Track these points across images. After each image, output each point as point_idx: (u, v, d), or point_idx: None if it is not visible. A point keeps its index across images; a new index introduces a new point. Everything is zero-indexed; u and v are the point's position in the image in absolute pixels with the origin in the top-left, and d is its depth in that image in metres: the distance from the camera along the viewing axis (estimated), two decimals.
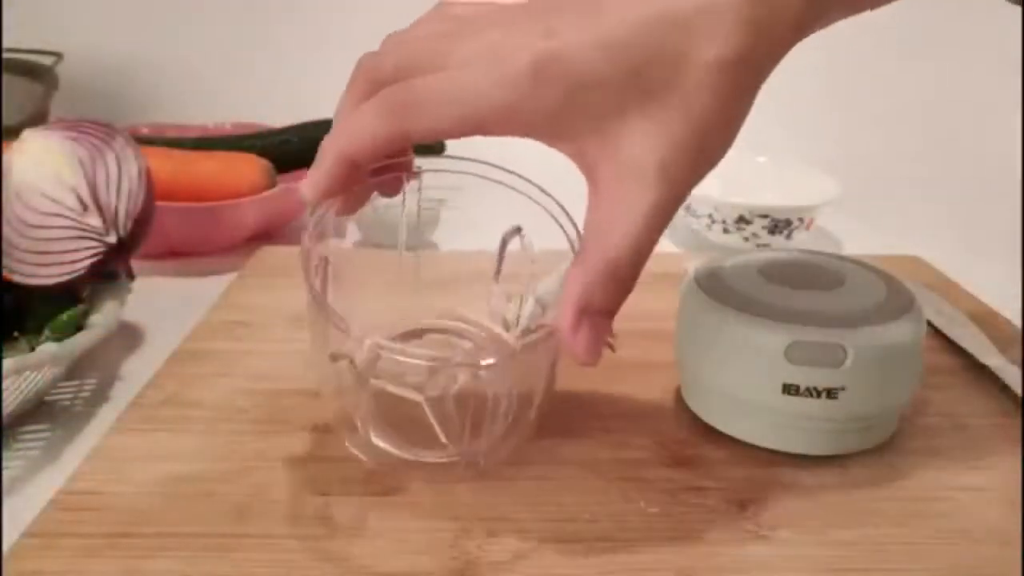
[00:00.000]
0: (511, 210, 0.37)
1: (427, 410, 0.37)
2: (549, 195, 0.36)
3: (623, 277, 0.29)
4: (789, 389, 0.35)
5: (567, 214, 0.36)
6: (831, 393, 0.35)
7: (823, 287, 0.38)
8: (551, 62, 0.27)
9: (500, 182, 0.36)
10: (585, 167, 0.30)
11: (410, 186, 0.36)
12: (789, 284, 0.38)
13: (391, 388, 0.38)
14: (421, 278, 0.42)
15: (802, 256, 0.42)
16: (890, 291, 0.38)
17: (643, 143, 0.28)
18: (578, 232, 0.35)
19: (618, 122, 0.28)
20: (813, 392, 0.35)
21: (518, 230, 0.38)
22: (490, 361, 0.33)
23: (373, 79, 0.31)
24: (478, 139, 0.29)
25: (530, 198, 0.36)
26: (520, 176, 0.36)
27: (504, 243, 0.38)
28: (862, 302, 0.37)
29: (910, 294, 0.38)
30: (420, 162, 0.36)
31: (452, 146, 0.83)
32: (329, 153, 0.31)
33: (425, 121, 0.29)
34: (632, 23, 0.27)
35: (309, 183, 0.32)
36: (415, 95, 0.29)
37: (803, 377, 0.35)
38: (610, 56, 0.27)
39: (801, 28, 0.29)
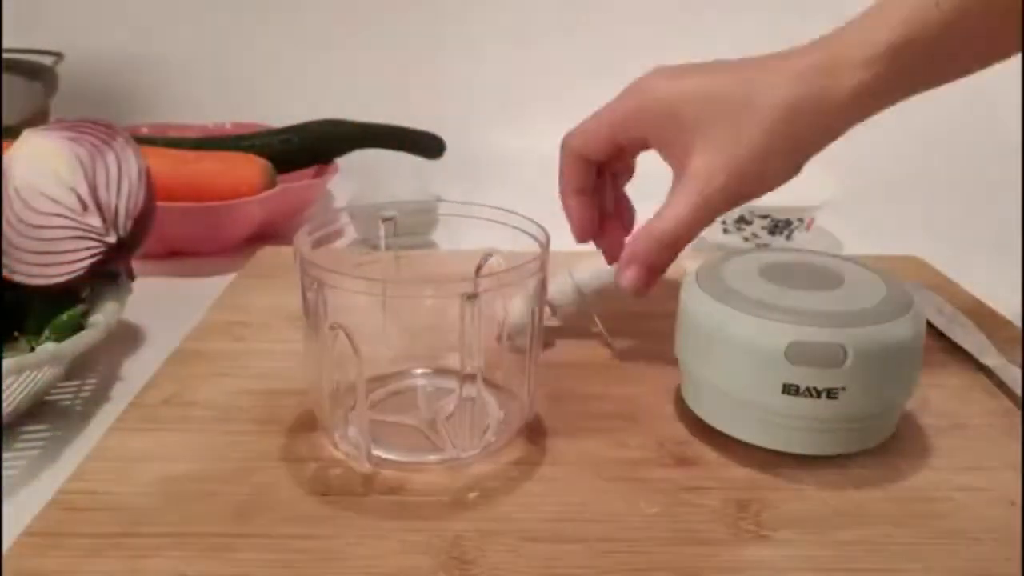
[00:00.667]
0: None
1: (423, 429, 0.38)
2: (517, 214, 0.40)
3: (665, 244, 0.40)
4: (789, 389, 0.35)
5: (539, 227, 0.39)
6: (831, 393, 0.35)
7: (823, 287, 0.38)
8: (655, 88, 0.41)
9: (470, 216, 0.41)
10: (672, 166, 0.41)
11: (385, 229, 0.41)
12: (789, 284, 0.38)
13: (390, 418, 0.38)
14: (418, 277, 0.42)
15: (802, 256, 0.42)
16: (890, 291, 0.38)
17: (707, 157, 0.39)
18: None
19: (692, 138, 0.39)
20: (813, 392, 0.35)
21: (489, 256, 0.40)
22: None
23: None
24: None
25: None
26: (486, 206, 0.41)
27: (479, 268, 0.40)
28: (862, 302, 0.37)
29: (910, 294, 0.38)
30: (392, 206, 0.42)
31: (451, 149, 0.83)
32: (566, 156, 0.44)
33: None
34: (729, 76, 0.40)
35: (574, 222, 0.46)
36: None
37: (803, 377, 0.35)
38: (703, 96, 0.39)
39: (862, 104, 0.38)
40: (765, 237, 0.68)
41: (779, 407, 0.36)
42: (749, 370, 0.36)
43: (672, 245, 0.40)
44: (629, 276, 0.41)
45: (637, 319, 0.51)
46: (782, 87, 0.38)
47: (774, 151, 0.39)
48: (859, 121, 0.39)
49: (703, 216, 0.39)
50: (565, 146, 0.43)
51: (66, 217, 0.45)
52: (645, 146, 0.42)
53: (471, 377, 0.36)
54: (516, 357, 0.39)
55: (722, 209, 0.40)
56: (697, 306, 0.38)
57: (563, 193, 0.44)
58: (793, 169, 0.40)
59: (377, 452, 0.37)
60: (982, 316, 0.52)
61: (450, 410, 0.39)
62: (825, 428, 0.36)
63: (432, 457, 0.37)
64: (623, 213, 0.47)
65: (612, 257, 0.45)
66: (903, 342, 0.36)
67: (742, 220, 0.67)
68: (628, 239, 0.43)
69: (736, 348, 0.36)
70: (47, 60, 0.85)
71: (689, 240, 0.40)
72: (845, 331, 0.35)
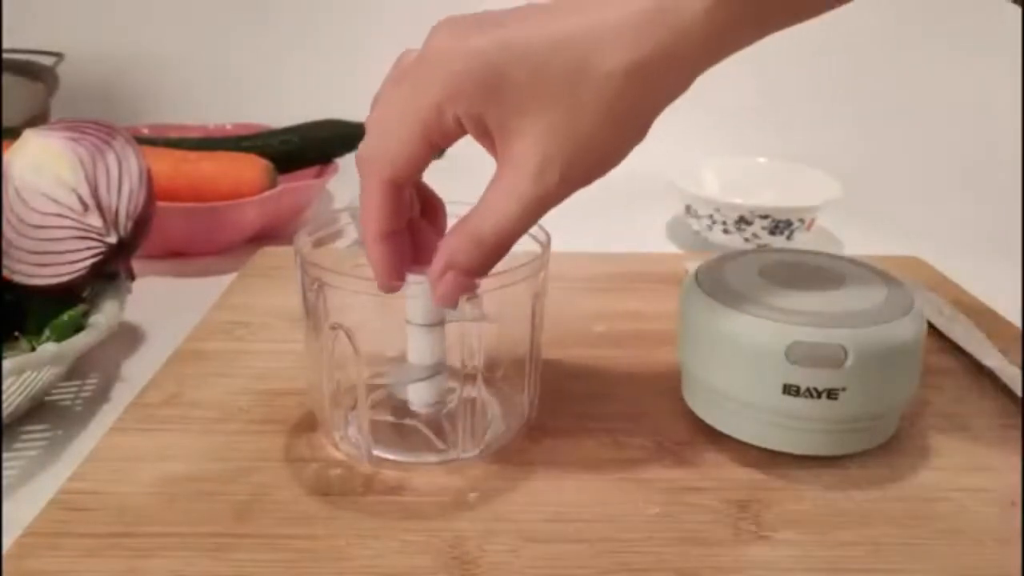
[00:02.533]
0: None
1: (423, 428, 0.38)
2: None
3: (486, 248, 0.33)
4: (789, 390, 0.35)
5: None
6: (831, 394, 0.35)
7: (823, 287, 0.38)
8: (475, 59, 0.31)
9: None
10: (487, 148, 0.34)
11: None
12: (789, 284, 0.38)
13: (390, 419, 0.38)
14: None
15: (802, 256, 0.42)
16: (890, 291, 0.38)
17: (531, 141, 0.31)
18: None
19: (517, 119, 0.31)
20: (813, 392, 0.35)
21: None
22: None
23: None
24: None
25: None
26: None
27: None
28: (862, 302, 0.37)
29: (910, 294, 0.38)
30: None
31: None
32: (371, 185, 0.34)
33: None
34: (544, 35, 0.31)
35: (378, 270, 0.35)
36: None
37: (803, 378, 0.35)
38: (520, 60, 0.31)
39: (709, 50, 0.32)
40: (766, 237, 0.68)
41: (779, 408, 0.36)
42: (750, 371, 0.36)
43: (496, 249, 0.33)
44: (446, 285, 0.33)
45: (637, 319, 0.51)
46: (620, 48, 0.30)
47: (618, 123, 0.32)
48: (708, 67, 0.33)
49: (535, 212, 0.33)
50: (371, 176, 0.33)
51: (67, 217, 0.45)
52: (459, 135, 0.33)
53: (471, 377, 0.36)
54: (516, 357, 0.39)
55: (558, 202, 0.33)
56: (697, 307, 0.38)
57: (370, 239, 0.34)
58: (640, 135, 0.33)
59: (377, 452, 0.37)
60: (982, 316, 0.52)
61: (450, 409, 0.39)
62: (825, 429, 0.36)
63: (432, 457, 0.37)
64: (431, 212, 0.39)
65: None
66: (904, 342, 0.36)
67: (742, 220, 0.67)
68: (441, 240, 0.34)
69: (737, 349, 0.36)
70: (48, 60, 0.86)
71: (515, 241, 0.33)
72: (845, 331, 0.35)
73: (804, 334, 0.35)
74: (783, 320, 0.35)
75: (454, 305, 0.34)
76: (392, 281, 0.35)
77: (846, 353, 0.34)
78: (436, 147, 0.33)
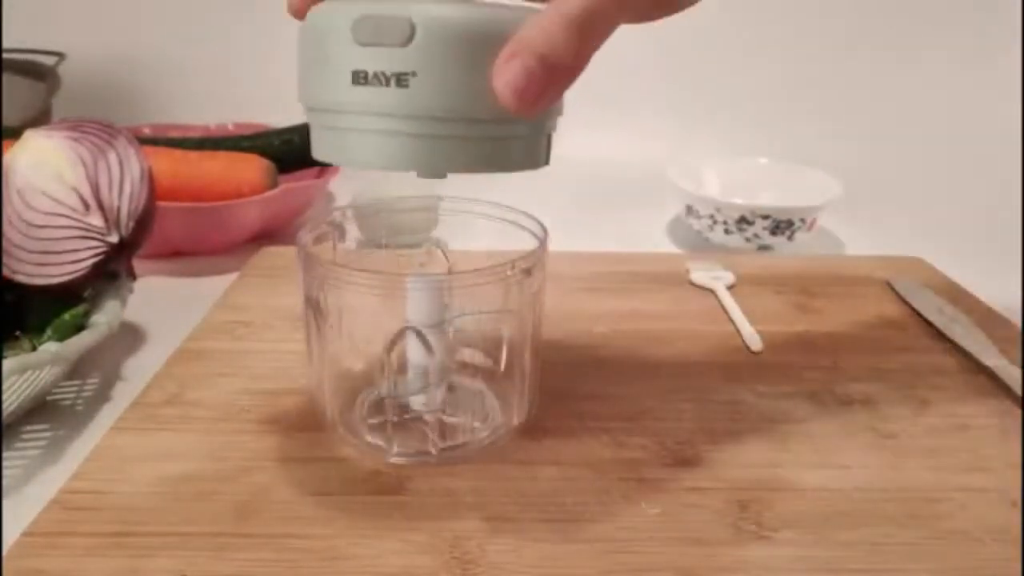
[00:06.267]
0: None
1: (424, 427, 0.38)
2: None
3: (572, 22, 0.26)
4: (358, 77, 0.29)
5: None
6: (401, 80, 0.29)
7: None
8: None
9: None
10: None
11: None
12: None
13: (392, 417, 0.38)
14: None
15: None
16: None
17: None
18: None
19: None
20: (382, 78, 0.29)
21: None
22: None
23: None
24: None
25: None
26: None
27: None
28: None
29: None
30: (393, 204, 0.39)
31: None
32: None
33: None
34: None
35: None
36: None
37: (371, 60, 0.29)
38: None
39: None
40: (767, 238, 0.68)
41: (351, 102, 0.30)
42: (320, 63, 0.30)
43: (585, 23, 0.26)
44: (511, 70, 0.27)
45: (637, 319, 0.51)
46: None
47: None
48: None
49: None
50: None
51: (68, 217, 0.45)
52: None
53: (471, 374, 0.36)
54: (515, 354, 0.39)
55: None
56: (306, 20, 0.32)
57: None
58: None
59: (377, 442, 0.37)
60: (983, 316, 0.52)
61: (449, 403, 0.39)
62: (403, 130, 0.30)
63: (433, 452, 0.37)
64: None
65: None
66: (486, 25, 0.29)
67: (743, 220, 0.67)
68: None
69: (308, 40, 0.31)
70: (49, 60, 0.86)
71: (610, 18, 0.27)
72: (416, 6, 0.29)
73: (371, 9, 0.29)
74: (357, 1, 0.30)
75: (520, 106, 0.27)
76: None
77: (413, 28, 0.29)
78: None
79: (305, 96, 0.32)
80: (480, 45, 0.29)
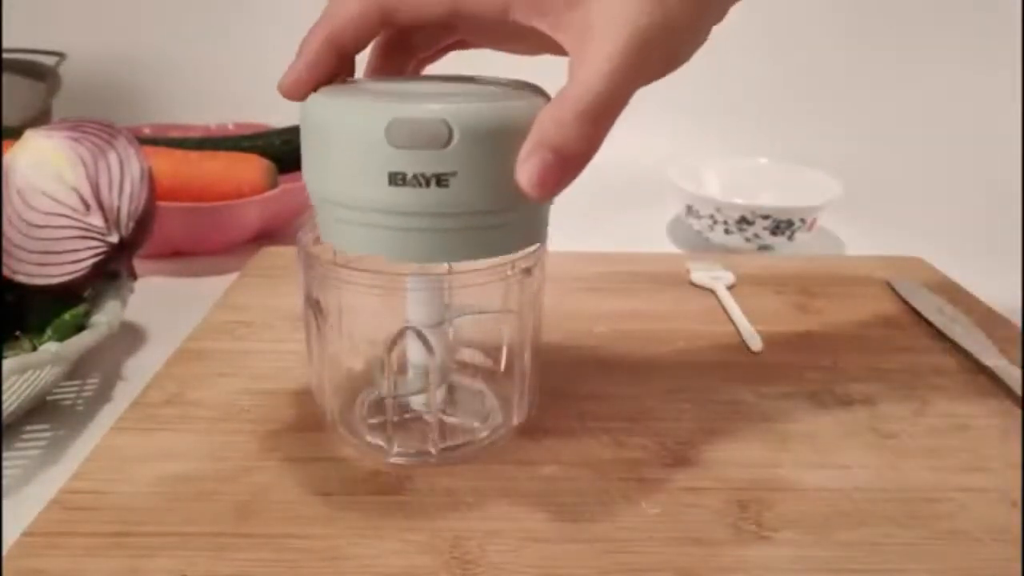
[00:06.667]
0: None
1: (427, 421, 0.38)
2: None
3: (584, 114, 0.28)
4: (396, 179, 0.30)
5: None
6: (440, 180, 0.30)
7: (444, 82, 0.33)
8: None
9: None
10: (564, 38, 0.30)
11: None
12: (409, 81, 0.34)
13: (391, 416, 0.38)
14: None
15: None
16: (515, 86, 0.33)
17: (608, 7, 0.28)
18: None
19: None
20: (421, 180, 0.30)
21: None
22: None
23: None
24: None
25: None
26: None
27: None
28: (475, 88, 0.32)
29: (538, 88, 0.33)
30: None
31: None
32: (311, 39, 0.31)
33: None
34: None
35: (288, 76, 0.32)
36: None
37: (408, 162, 0.30)
38: None
39: None
40: (767, 237, 0.68)
41: (388, 203, 0.30)
42: (353, 163, 0.31)
43: (595, 114, 0.28)
44: (532, 165, 0.29)
45: (637, 319, 0.51)
46: None
47: None
48: None
49: (635, 62, 0.28)
50: (312, 30, 0.32)
51: (68, 217, 0.45)
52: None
53: (471, 374, 0.36)
54: (516, 355, 0.39)
55: (652, 59, 0.29)
56: (305, 109, 0.32)
57: (291, 71, 0.32)
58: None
59: (377, 442, 0.37)
60: (983, 316, 0.52)
61: (449, 403, 0.39)
62: (441, 227, 0.31)
63: (433, 452, 0.37)
64: None
65: None
66: (515, 120, 0.30)
67: (743, 220, 0.67)
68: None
69: (338, 139, 0.31)
70: (49, 60, 0.86)
71: (618, 105, 0.29)
72: (449, 107, 0.29)
73: (403, 111, 0.30)
74: (382, 100, 0.30)
75: (542, 195, 0.29)
76: (292, 87, 0.32)
77: (450, 129, 0.29)
78: (387, 14, 0.31)
79: (323, 190, 0.32)
80: (510, 140, 0.30)
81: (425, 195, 0.30)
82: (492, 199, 0.31)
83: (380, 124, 0.29)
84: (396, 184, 0.30)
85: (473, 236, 0.32)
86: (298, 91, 0.32)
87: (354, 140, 0.30)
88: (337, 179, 0.31)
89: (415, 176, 0.30)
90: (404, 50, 0.36)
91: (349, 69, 0.33)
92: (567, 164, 0.29)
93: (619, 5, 0.28)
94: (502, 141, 0.30)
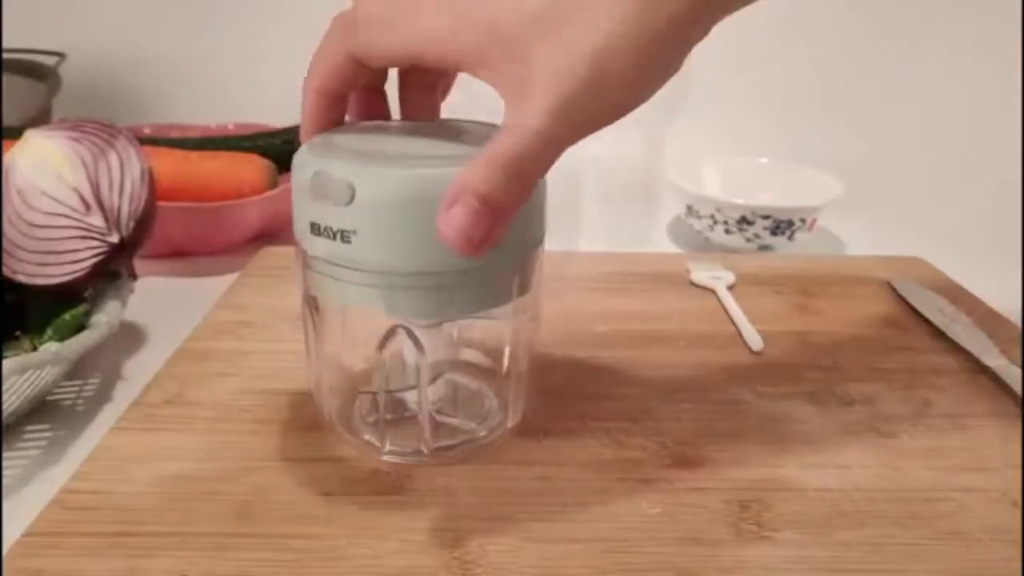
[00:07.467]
0: None
1: (424, 418, 0.38)
2: None
3: (508, 169, 0.28)
4: (315, 228, 0.31)
5: None
6: (344, 236, 0.31)
7: (439, 136, 0.34)
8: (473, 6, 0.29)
9: None
10: (502, 91, 0.30)
11: None
12: (405, 133, 0.34)
13: (390, 415, 0.38)
14: None
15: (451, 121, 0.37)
16: (471, 145, 0.33)
17: (546, 65, 0.28)
18: None
19: (530, 50, 0.28)
20: (329, 233, 0.31)
21: None
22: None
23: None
24: None
25: None
26: None
27: None
28: (441, 149, 0.32)
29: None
30: None
31: None
32: (305, 93, 0.33)
33: (366, 40, 0.31)
34: None
35: (301, 132, 0.34)
36: (358, 16, 0.31)
37: (320, 215, 0.31)
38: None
39: None
40: (767, 237, 0.68)
41: (313, 249, 0.32)
42: (297, 209, 0.33)
43: (519, 169, 0.28)
44: (455, 215, 0.28)
45: (637, 319, 0.51)
46: None
47: (643, 33, 0.28)
48: None
49: (563, 122, 0.28)
50: (304, 85, 0.33)
51: (68, 217, 0.45)
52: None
53: (471, 373, 0.36)
54: (515, 355, 0.39)
55: (586, 117, 0.28)
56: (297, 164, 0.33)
57: (302, 136, 0.34)
58: (678, 60, 0.29)
59: (373, 440, 0.37)
60: (983, 316, 0.52)
61: (447, 402, 0.39)
62: (356, 281, 0.32)
63: (424, 451, 0.37)
64: None
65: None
66: (420, 190, 0.30)
67: (744, 220, 0.67)
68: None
69: (295, 185, 0.32)
70: (49, 60, 0.86)
71: (543, 166, 0.29)
72: (354, 167, 0.30)
73: (322, 164, 0.31)
74: (322, 153, 0.31)
75: (468, 247, 0.29)
76: (304, 140, 0.34)
77: (352, 189, 0.30)
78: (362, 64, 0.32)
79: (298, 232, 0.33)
80: (414, 207, 0.30)
81: (335, 247, 0.31)
82: (398, 261, 0.31)
83: (308, 175, 0.31)
84: (315, 233, 0.32)
85: (387, 294, 0.32)
86: (306, 138, 0.34)
87: (296, 188, 0.32)
88: (294, 221, 0.33)
89: (326, 228, 0.31)
90: (418, 87, 0.36)
91: (343, 107, 0.35)
92: (494, 213, 0.28)
93: (557, 61, 0.28)
94: (405, 208, 0.30)
